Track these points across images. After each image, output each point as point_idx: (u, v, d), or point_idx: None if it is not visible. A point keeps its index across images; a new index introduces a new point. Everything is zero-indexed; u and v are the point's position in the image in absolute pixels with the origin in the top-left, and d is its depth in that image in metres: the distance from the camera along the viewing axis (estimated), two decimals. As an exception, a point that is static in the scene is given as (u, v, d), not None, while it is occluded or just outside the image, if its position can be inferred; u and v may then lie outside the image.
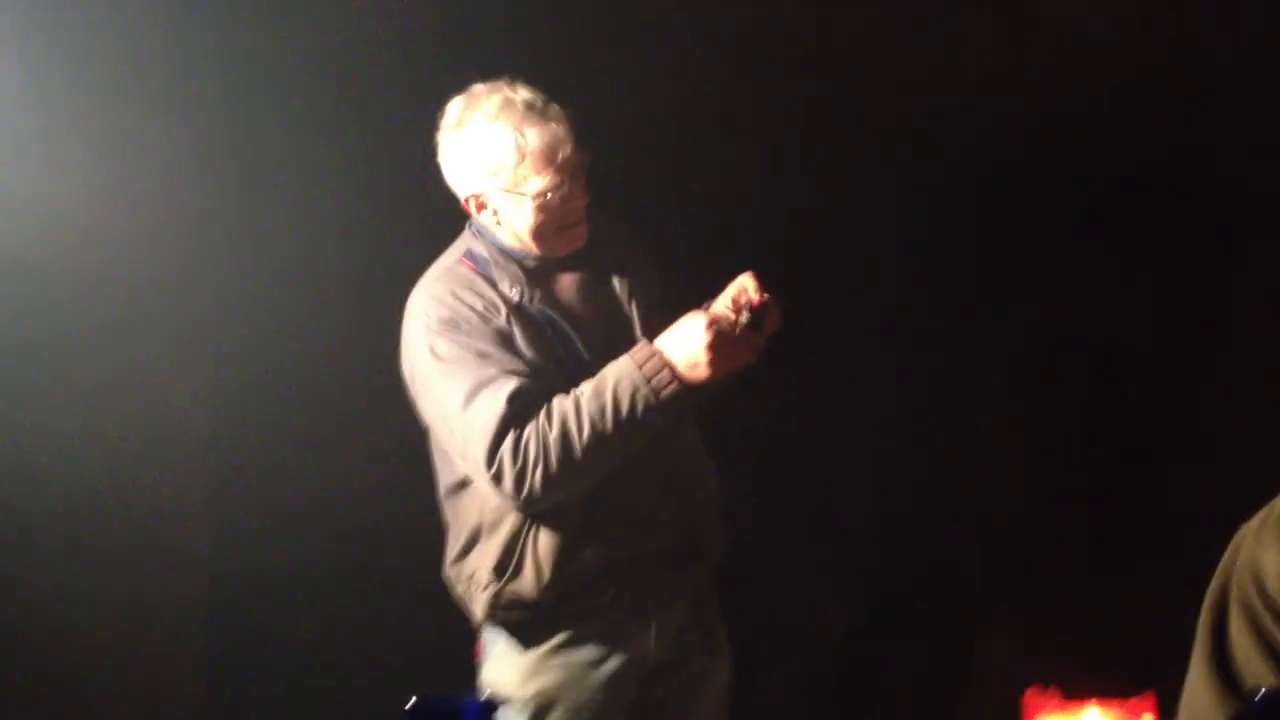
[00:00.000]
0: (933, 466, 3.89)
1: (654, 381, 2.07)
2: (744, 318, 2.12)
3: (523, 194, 2.18)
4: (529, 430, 2.07)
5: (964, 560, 3.85)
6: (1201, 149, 3.71)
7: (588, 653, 2.24)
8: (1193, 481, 3.77)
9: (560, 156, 2.17)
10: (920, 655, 3.83)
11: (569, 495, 2.14)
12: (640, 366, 2.09)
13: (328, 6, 3.05)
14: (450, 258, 2.29)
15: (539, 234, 2.21)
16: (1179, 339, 3.81)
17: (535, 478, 2.06)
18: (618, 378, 2.09)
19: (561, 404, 2.09)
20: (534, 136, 2.17)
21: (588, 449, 2.06)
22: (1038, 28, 3.34)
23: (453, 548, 2.29)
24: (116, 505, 3.08)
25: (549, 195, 2.17)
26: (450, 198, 2.30)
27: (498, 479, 2.08)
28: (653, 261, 2.41)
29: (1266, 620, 1.44)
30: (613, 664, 2.24)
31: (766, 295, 2.16)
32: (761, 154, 3.71)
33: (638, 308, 2.29)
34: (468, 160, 2.22)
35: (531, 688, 2.24)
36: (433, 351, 2.17)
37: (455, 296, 2.19)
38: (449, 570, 2.31)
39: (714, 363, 2.08)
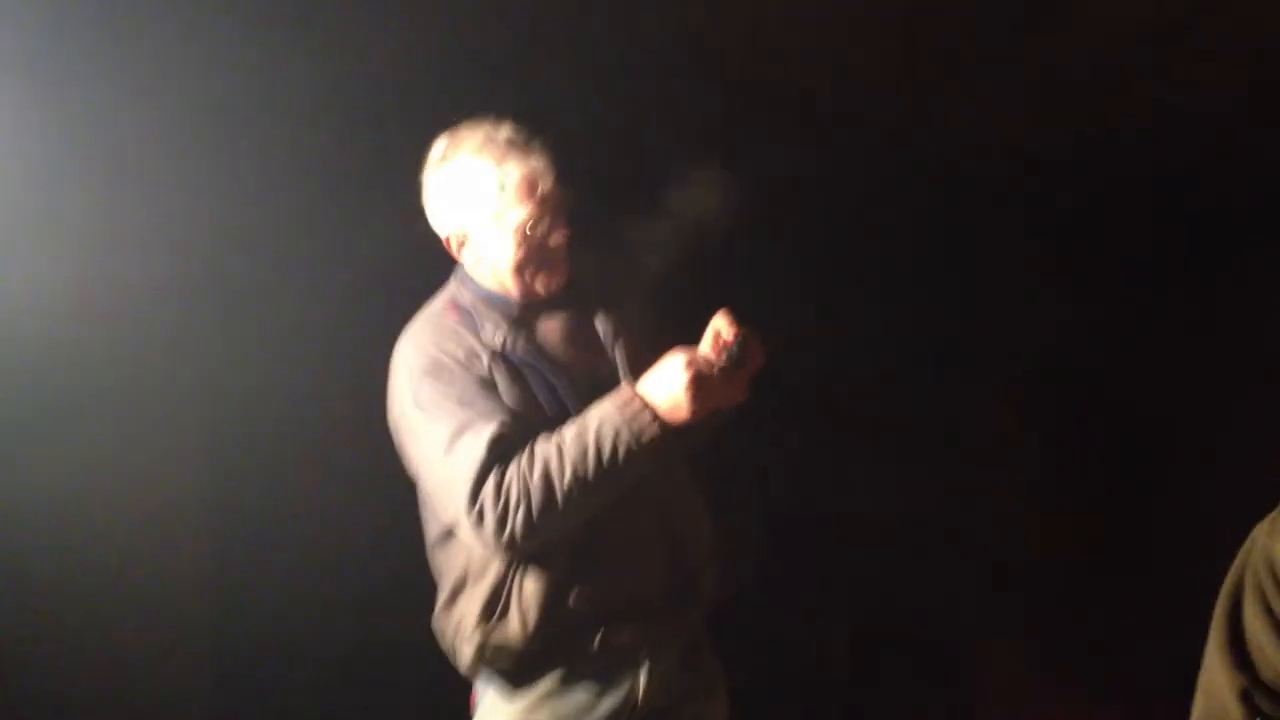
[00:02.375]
0: (933, 500, 3.86)
1: (635, 424, 2.03)
2: (722, 359, 2.08)
3: (503, 227, 2.15)
4: (510, 473, 2.03)
5: (965, 592, 3.82)
6: (1198, 162, 3.69)
7: (577, 699, 2.17)
8: (1195, 504, 3.73)
9: (540, 189, 2.15)
10: (922, 690, 3.79)
11: (551, 540, 2.09)
12: (621, 409, 2.05)
13: (319, 62, 3.04)
14: (435, 305, 2.27)
15: (519, 270, 2.18)
16: (1177, 358, 3.79)
17: (516, 521, 2.02)
18: (600, 421, 2.05)
19: (544, 448, 2.05)
20: (514, 169, 2.14)
21: (570, 493, 2.02)
22: (1028, 42, 3.33)
23: (440, 597, 2.25)
24: (113, 582, 3.07)
25: (529, 228, 2.15)
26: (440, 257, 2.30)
27: (479, 522, 2.03)
28: (639, 294, 2.37)
29: (1278, 604, 1.49)
30: (602, 711, 2.18)
31: (742, 331, 2.11)
32: (759, 184, 3.70)
33: (622, 349, 2.25)
34: (450, 195, 2.20)
35: None
36: (415, 400, 2.13)
37: (437, 345, 2.16)
38: (437, 621, 2.26)
39: (695, 401, 2.04)
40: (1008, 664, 3.73)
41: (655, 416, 2.04)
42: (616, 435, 2.03)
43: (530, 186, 2.14)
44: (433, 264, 2.35)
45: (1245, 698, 1.49)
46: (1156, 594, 3.67)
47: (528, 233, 2.14)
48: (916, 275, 3.90)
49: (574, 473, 2.02)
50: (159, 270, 3.09)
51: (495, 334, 2.17)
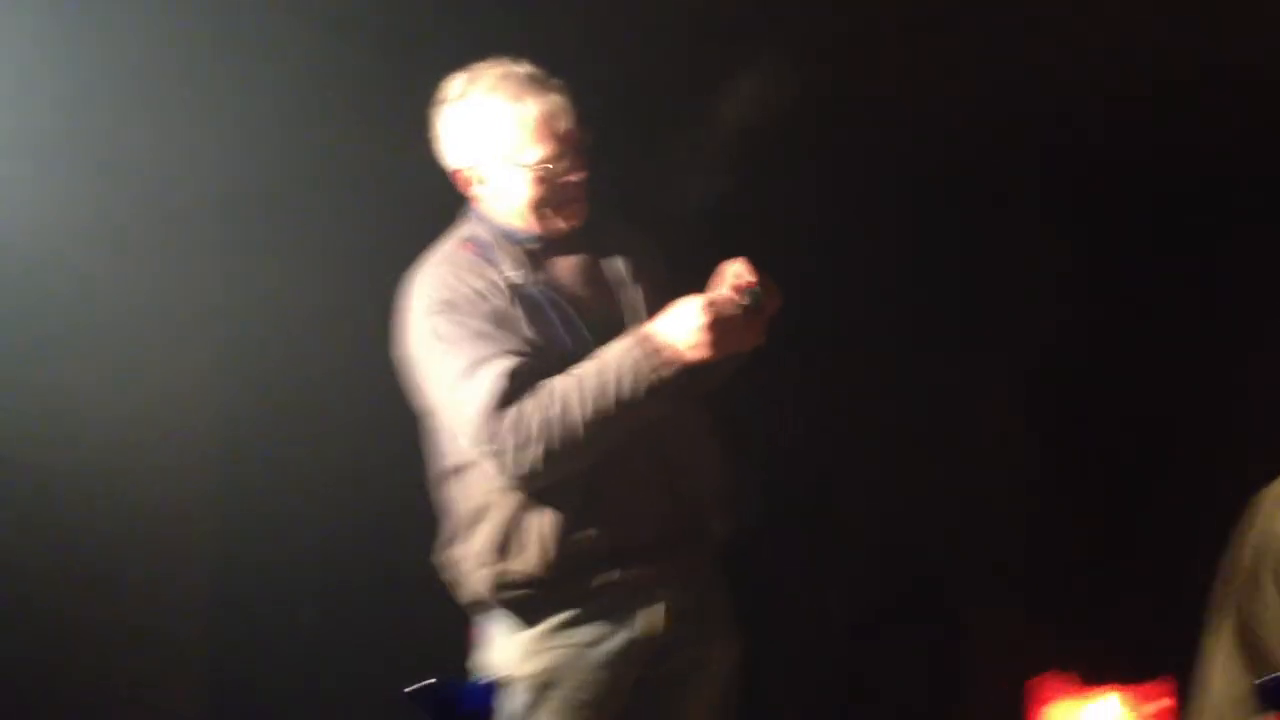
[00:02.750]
0: (938, 456, 3.86)
1: (654, 361, 2.05)
2: (744, 300, 2.10)
3: (520, 164, 2.14)
4: (530, 406, 2.05)
5: (970, 549, 3.82)
6: (1198, 150, 3.67)
7: (589, 632, 2.19)
8: (1195, 471, 3.72)
9: (559, 127, 2.15)
10: (926, 644, 3.80)
11: (567, 473, 2.10)
12: (640, 346, 2.06)
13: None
14: (450, 242, 2.26)
15: (536, 208, 2.18)
16: (1177, 339, 3.77)
17: (535, 453, 2.04)
18: (619, 357, 2.07)
19: (563, 382, 2.07)
20: (533, 105, 2.13)
21: (589, 426, 2.04)
22: (1034, 28, 3.31)
23: (451, 530, 2.26)
24: (120, 499, 3.06)
25: (547, 166, 2.14)
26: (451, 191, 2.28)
27: (498, 455, 2.06)
28: (655, 243, 2.39)
29: None
30: (614, 643, 2.20)
31: (760, 276, 2.14)
32: (768, 150, 3.69)
33: (641, 289, 2.25)
34: (466, 131, 2.18)
35: (531, 667, 2.19)
36: (433, 332, 2.13)
37: (456, 278, 2.16)
38: (445, 554, 2.27)
39: (714, 343, 2.06)
40: (1017, 612, 3.72)
41: (673, 354, 2.05)
42: (636, 372, 2.04)
43: (549, 123, 2.13)
44: (442, 214, 2.35)
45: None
46: (1153, 579, 3.68)
47: (546, 170, 2.14)
48: (926, 248, 3.89)
49: (594, 408, 2.03)
50: (172, 194, 3.08)
51: (515, 268, 2.17)
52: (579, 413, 2.03)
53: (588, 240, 2.27)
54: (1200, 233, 3.79)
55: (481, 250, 2.20)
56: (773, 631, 3.57)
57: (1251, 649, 1.46)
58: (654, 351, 2.05)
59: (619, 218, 2.38)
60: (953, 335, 3.85)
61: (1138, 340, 3.83)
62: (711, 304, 2.06)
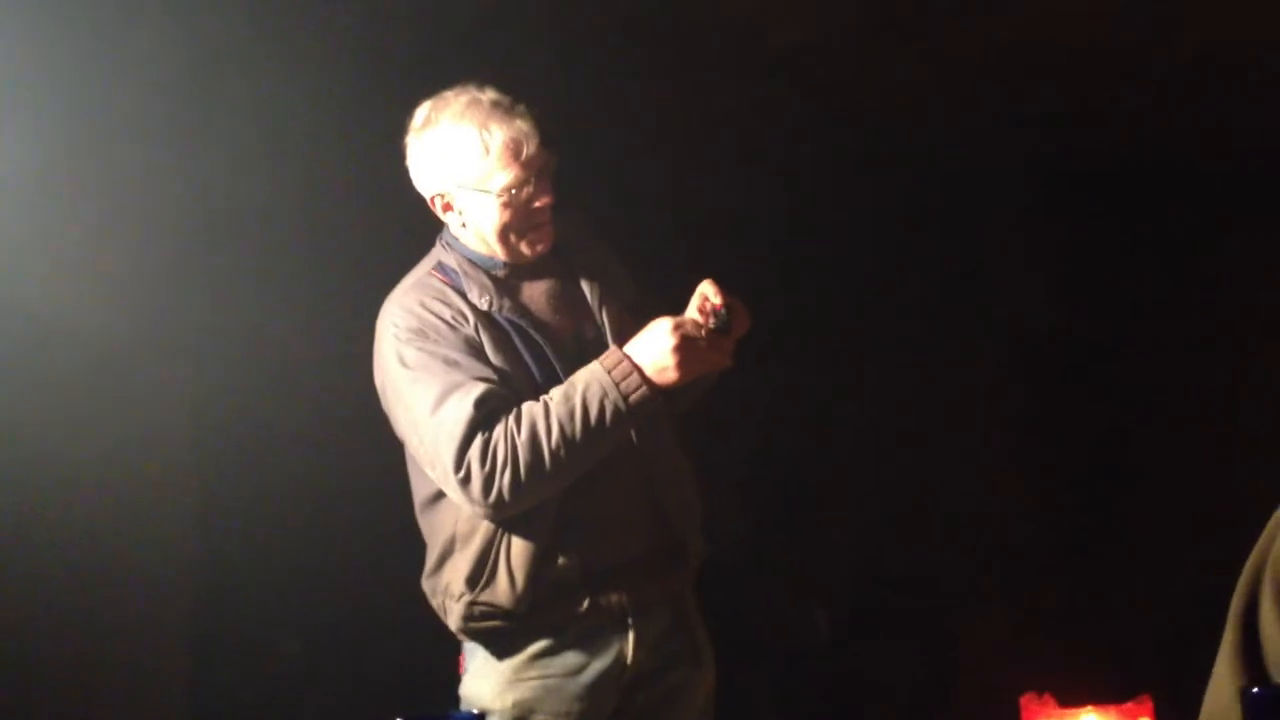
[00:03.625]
0: (922, 469, 3.86)
1: (622, 386, 2.05)
2: (711, 323, 2.10)
3: (487, 190, 2.14)
4: (497, 433, 2.04)
5: (954, 564, 3.82)
6: (1188, 147, 3.67)
7: (565, 662, 2.17)
8: (1186, 484, 3.71)
9: (525, 153, 2.14)
10: (910, 660, 3.79)
11: (537, 500, 2.09)
12: (609, 371, 2.06)
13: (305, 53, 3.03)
14: (421, 270, 2.27)
15: (504, 234, 2.17)
16: (1169, 342, 3.77)
17: (503, 481, 2.03)
18: (586, 382, 2.07)
19: (531, 409, 2.06)
20: (499, 132, 2.14)
21: (556, 453, 2.03)
22: (1020, 29, 3.31)
23: (429, 560, 2.25)
24: (99, 530, 3.05)
25: (514, 192, 2.14)
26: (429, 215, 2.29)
27: (465, 483, 2.04)
28: (625, 266, 2.38)
29: None
30: (591, 673, 2.18)
31: (728, 298, 2.13)
32: (745, 158, 3.69)
33: (608, 315, 2.24)
34: (434, 159, 2.18)
35: (509, 698, 2.17)
36: (401, 361, 2.13)
37: (424, 306, 2.16)
38: (425, 583, 2.26)
39: (681, 365, 2.05)
40: (1000, 628, 3.73)
41: (642, 378, 2.05)
42: (604, 396, 2.04)
43: (515, 149, 2.13)
44: (423, 234, 2.35)
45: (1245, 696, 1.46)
46: (1146, 565, 3.68)
47: (512, 196, 2.14)
48: (907, 253, 3.90)
49: (561, 433, 2.03)
50: (153, 221, 3.07)
51: (481, 296, 2.17)
52: (546, 438, 2.02)
53: (556, 265, 2.27)
54: (1190, 235, 3.79)
55: (450, 277, 2.20)
56: (754, 648, 3.58)
57: (1250, 658, 1.48)
58: (623, 376, 2.05)
59: (589, 241, 2.37)
60: (936, 349, 3.87)
61: (1122, 357, 3.84)
62: (679, 327, 2.05)
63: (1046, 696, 2.71)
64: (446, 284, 2.19)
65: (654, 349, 2.05)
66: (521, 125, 2.14)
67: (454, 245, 2.24)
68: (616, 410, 2.04)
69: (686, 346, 2.04)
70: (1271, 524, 1.49)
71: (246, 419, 3.25)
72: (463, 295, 2.16)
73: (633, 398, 2.04)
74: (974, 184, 3.81)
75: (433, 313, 2.14)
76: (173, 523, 3.28)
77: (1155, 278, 3.82)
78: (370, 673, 3.24)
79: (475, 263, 2.21)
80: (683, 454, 2.32)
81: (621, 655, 2.18)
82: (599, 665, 2.17)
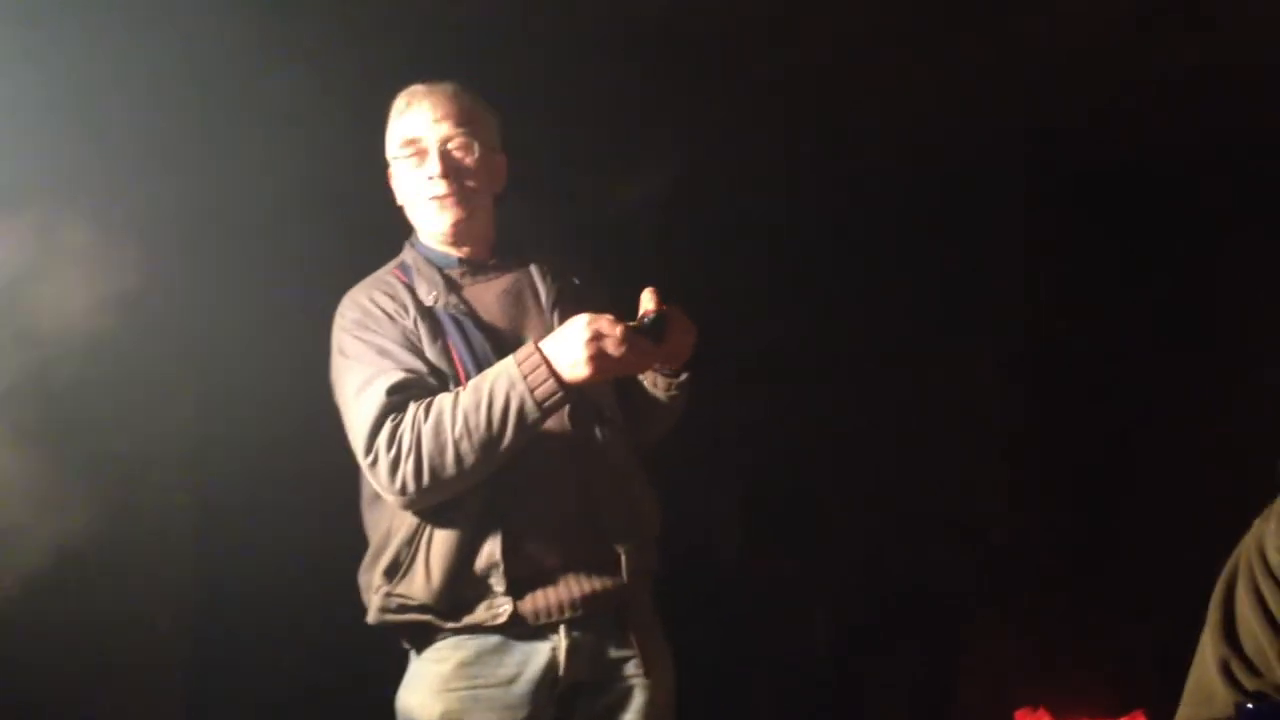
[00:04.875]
0: (922, 482, 3.87)
1: (530, 378, 2.04)
2: (635, 323, 2.09)
3: (399, 154, 2.24)
4: (406, 420, 2.05)
5: (951, 577, 3.83)
6: (1190, 154, 3.69)
7: (495, 671, 2.14)
8: (1184, 500, 3.74)
9: (436, 112, 2.22)
10: (908, 673, 3.80)
11: (447, 492, 2.08)
12: (519, 364, 2.06)
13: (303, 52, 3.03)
14: (383, 269, 2.32)
15: (411, 201, 2.25)
16: (1168, 356, 3.79)
17: (407, 468, 2.04)
18: (496, 374, 2.07)
19: (440, 399, 2.07)
20: (418, 94, 2.25)
21: (459, 443, 2.03)
22: (1023, 41, 3.32)
23: (366, 555, 2.25)
24: (97, 546, 3.04)
25: (405, 150, 2.22)
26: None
27: (373, 466, 2.06)
28: (599, 283, 2.38)
29: (1265, 585, 1.53)
30: (523, 683, 2.14)
31: (666, 307, 2.14)
32: (746, 171, 3.70)
33: (559, 319, 2.22)
34: (386, 147, 2.29)
35: (438, 708, 2.14)
36: (341, 349, 2.17)
37: (370, 299, 2.20)
38: (360, 577, 2.26)
39: (593, 360, 2.03)
40: (996, 642, 3.74)
41: (551, 373, 2.04)
42: (510, 388, 2.04)
43: (427, 110, 2.22)
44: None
45: (1225, 669, 1.53)
46: (1143, 576, 3.69)
47: (404, 153, 2.22)
48: (907, 260, 3.91)
49: (465, 423, 2.03)
50: (152, 242, 3.08)
51: (429, 292, 2.21)
52: (451, 427, 2.03)
53: (516, 269, 2.30)
54: (1191, 241, 3.82)
55: (405, 274, 2.26)
56: (755, 657, 3.58)
57: (1229, 642, 1.56)
58: (531, 369, 2.04)
59: (568, 260, 2.39)
60: (937, 360, 3.88)
61: (1124, 368, 3.86)
62: (593, 323, 2.04)
63: (1041, 711, 2.70)
64: (399, 280, 2.23)
65: (566, 344, 2.05)
66: (427, 96, 2.23)
67: (415, 244, 2.30)
68: (522, 403, 2.03)
69: (599, 342, 2.03)
70: (1259, 519, 1.56)
71: (248, 426, 3.25)
72: (411, 291, 2.21)
73: (539, 391, 2.03)
74: (974, 195, 3.84)
75: (377, 305, 2.18)
76: (172, 532, 3.29)
77: (1156, 285, 3.84)
78: (367, 688, 3.24)
79: (430, 260, 2.25)
80: (638, 468, 2.30)
81: (554, 664, 2.15)
82: (530, 674, 2.14)
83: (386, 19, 3.03)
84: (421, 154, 2.22)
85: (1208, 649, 1.56)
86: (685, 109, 3.48)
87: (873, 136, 3.67)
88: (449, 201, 2.22)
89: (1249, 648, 1.54)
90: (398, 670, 2.27)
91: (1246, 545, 1.57)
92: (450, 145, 2.22)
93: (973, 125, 3.66)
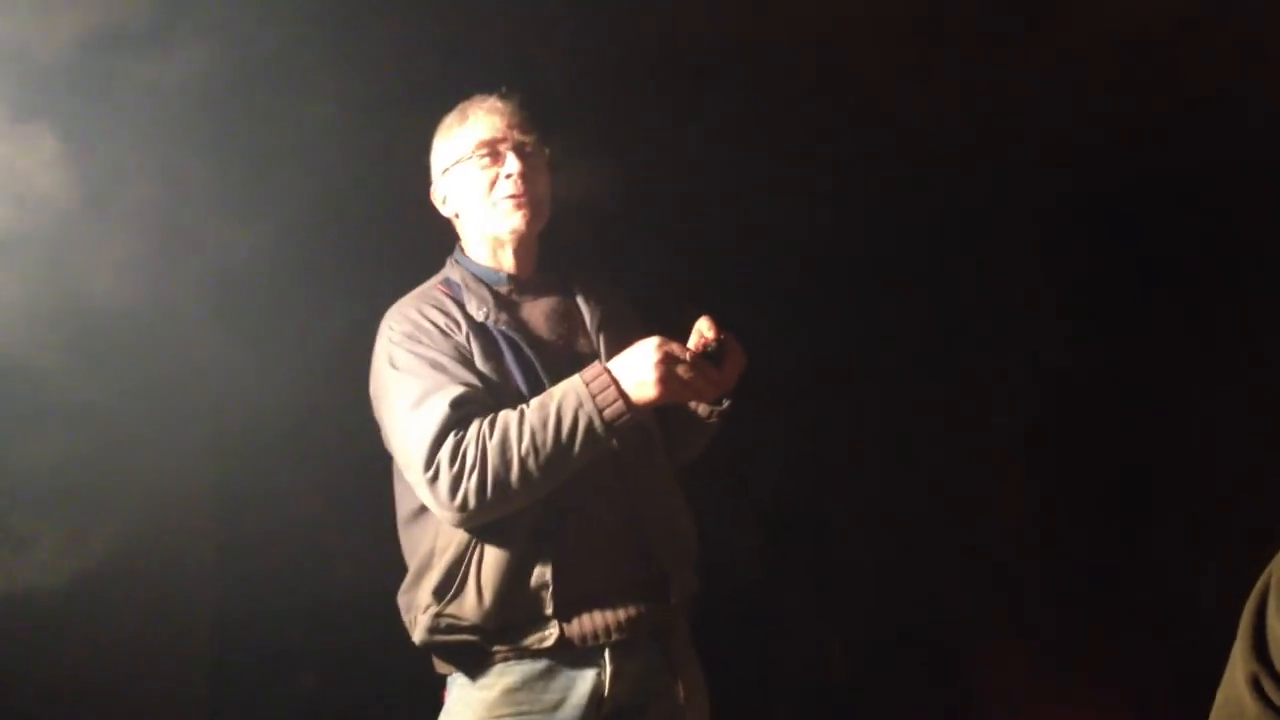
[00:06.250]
0: (937, 504, 3.86)
1: (599, 399, 2.03)
2: (698, 350, 2.09)
3: (463, 158, 2.24)
4: (470, 435, 2.03)
5: (962, 592, 3.82)
6: (1203, 176, 3.70)
7: (541, 697, 2.12)
8: (1191, 514, 3.73)
9: (497, 119, 2.24)
10: (924, 690, 3.79)
11: (506, 509, 2.06)
12: (588, 384, 2.04)
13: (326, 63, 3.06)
14: (427, 284, 2.30)
15: (477, 204, 2.24)
16: (1181, 363, 3.79)
17: (470, 484, 2.01)
18: (564, 393, 2.06)
19: (506, 415, 2.05)
20: (473, 107, 2.27)
21: (525, 460, 2.01)
22: (1040, 61, 3.34)
23: (407, 576, 2.22)
24: (119, 568, 3.06)
25: (484, 152, 2.23)
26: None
27: (433, 481, 2.03)
28: (632, 304, 2.40)
29: None
30: (569, 709, 2.12)
31: (723, 334, 2.14)
32: (758, 191, 3.70)
33: (605, 338, 2.24)
34: (432, 156, 2.31)
35: None
36: (391, 362, 2.14)
37: (419, 313, 2.18)
38: (400, 598, 2.23)
39: (662, 383, 2.02)
40: (1006, 665, 3.73)
41: (620, 394, 2.03)
42: (579, 407, 2.03)
43: (487, 117, 2.24)
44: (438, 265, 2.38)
45: (1255, 684, 1.52)
46: (1155, 595, 3.68)
47: (482, 155, 2.22)
48: (917, 277, 3.91)
49: (532, 441, 2.02)
50: (168, 278, 3.10)
51: (479, 308, 2.20)
52: (517, 444, 2.01)
53: (560, 287, 2.30)
54: (1203, 262, 3.81)
55: (452, 290, 2.24)
56: (772, 680, 3.58)
57: (1259, 657, 1.54)
58: (600, 389, 2.03)
59: (601, 277, 2.39)
60: (952, 383, 3.88)
61: (1132, 379, 3.85)
62: (663, 346, 2.04)
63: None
64: (447, 295, 2.22)
65: (636, 366, 2.04)
66: (497, 104, 2.25)
67: (461, 261, 2.29)
68: (590, 422, 2.02)
69: (669, 366, 2.03)
70: None
71: (268, 443, 3.26)
72: (461, 306, 2.20)
73: (607, 411, 2.02)
74: (991, 218, 3.84)
75: (428, 319, 2.16)
76: (192, 552, 3.31)
77: (1175, 303, 3.83)
78: (386, 708, 3.24)
79: (479, 277, 2.25)
80: (679, 491, 2.30)
81: (599, 688, 2.13)
82: (576, 699, 2.12)
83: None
84: (498, 156, 2.22)
85: (1238, 664, 1.55)
86: (707, 126, 3.50)
87: (892, 155, 3.68)
88: (524, 200, 2.23)
89: None
90: (421, 691, 2.27)
91: (1277, 564, 1.56)
92: (525, 150, 2.23)
93: (990, 143, 3.68)
